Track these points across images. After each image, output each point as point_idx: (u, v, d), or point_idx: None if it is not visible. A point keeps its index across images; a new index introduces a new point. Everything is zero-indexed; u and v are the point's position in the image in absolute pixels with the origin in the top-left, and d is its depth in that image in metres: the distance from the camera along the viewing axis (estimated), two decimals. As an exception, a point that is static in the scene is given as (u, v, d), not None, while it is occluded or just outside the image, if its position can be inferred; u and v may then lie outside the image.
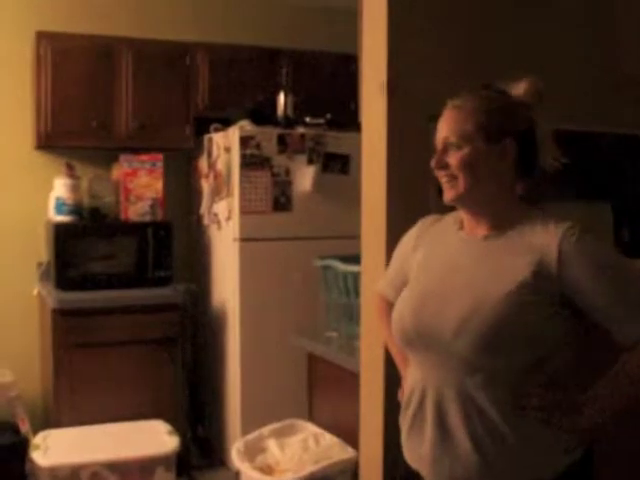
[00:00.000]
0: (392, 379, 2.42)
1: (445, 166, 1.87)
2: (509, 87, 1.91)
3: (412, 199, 2.59)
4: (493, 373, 1.77)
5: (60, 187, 4.58)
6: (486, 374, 1.77)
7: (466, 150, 1.84)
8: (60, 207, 4.55)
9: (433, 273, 1.96)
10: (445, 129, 1.88)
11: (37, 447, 3.80)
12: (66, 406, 4.25)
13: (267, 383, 4.39)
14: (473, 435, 1.78)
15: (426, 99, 2.57)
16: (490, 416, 1.77)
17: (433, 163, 1.90)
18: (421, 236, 2.07)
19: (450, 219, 2.03)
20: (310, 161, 4.45)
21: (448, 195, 1.90)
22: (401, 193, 2.61)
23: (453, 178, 1.86)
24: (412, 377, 1.96)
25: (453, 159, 1.86)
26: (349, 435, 3.07)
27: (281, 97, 4.65)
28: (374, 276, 2.65)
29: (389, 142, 2.59)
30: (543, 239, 1.79)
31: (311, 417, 3.42)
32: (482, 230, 1.91)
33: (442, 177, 1.89)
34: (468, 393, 1.79)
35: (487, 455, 1.77)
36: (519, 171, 1.88)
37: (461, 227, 1.97)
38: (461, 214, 1.97)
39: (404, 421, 1.97)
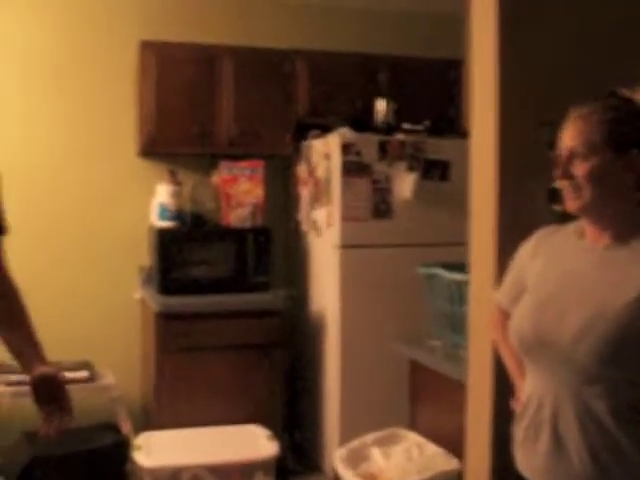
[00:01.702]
0: (500, 389, 2.39)
1: (570, 176, 1.85)
2: (633, 93, 1.87)
3: (522, 207, 2.56)
4: (612, 383, 1.73)
5: (163, 193, 4.66)
6: (604, 384, 1.74)
7: (593, 161, 1.81)
8: (163, 213, 4.63)
9: (553, 281, 1.93)
10: (570, 139, 1.85)
11: (139, 448, 3.88)
12: (166, 408, 4.32)
13: (366, 390, 4.37)
14: (590, 446, 1.75)
15: (537, 104, 2.54)
16: (608, 427, 1.73)
17: (558, 173, 1.87)
18: (539, 245, 2.05)
19: (570, 228, 2.00)
20: (410, 168, 4.42)
21: (572, 205, 1.87)
22: (511, 201, 2.57)
23: (578, 189, 1.84)
24: (529, 387, 1.94)
25: (579, 170, 1.83)
26: (451, 445, 3.04)
27: (381, 103, 4.63)
28: (483, 285, 2.62)
29: (499, 149, 2.56)
30: None
31: (412, 426, 3.39)
32: (605, 239, 1.87)
33: (566, 187, 1.87)
34: (586, 403, 1.76)
35: (604, 467, 1.74)
36: None
37: (582, 236, 1.94)
38: (583, 223, 1.94)
39: (518, 431, 1.96)
